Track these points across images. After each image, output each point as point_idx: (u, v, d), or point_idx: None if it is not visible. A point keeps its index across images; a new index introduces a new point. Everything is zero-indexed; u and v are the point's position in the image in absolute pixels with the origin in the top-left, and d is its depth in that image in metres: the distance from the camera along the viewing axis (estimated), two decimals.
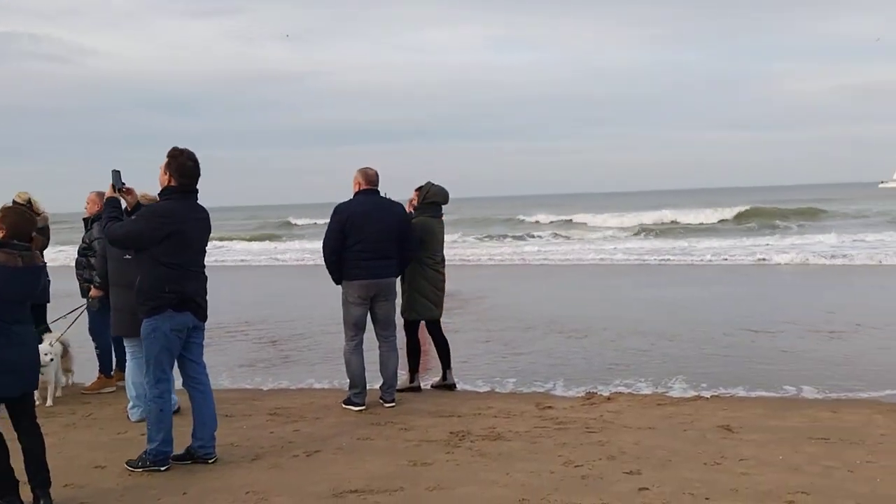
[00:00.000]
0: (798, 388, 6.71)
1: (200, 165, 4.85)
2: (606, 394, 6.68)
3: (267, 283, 19.17)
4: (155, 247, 4.66)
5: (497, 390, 6.97)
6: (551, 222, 42.04)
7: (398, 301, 6.53)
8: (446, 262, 6.81)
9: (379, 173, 6.31)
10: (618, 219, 38.89)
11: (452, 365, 6.94)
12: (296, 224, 53.11)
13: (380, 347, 6.41)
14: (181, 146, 4.77)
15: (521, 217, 45.95)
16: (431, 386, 6.90)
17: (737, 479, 4.45)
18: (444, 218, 6.83)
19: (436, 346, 6.86)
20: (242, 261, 25.84)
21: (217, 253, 30.03)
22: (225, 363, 8.55)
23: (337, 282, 6.30)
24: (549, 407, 6.23)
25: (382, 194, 6.33)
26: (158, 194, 4.89)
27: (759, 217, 37.32)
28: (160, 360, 4.73)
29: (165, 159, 4.77)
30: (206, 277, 4.95)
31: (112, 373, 7.19)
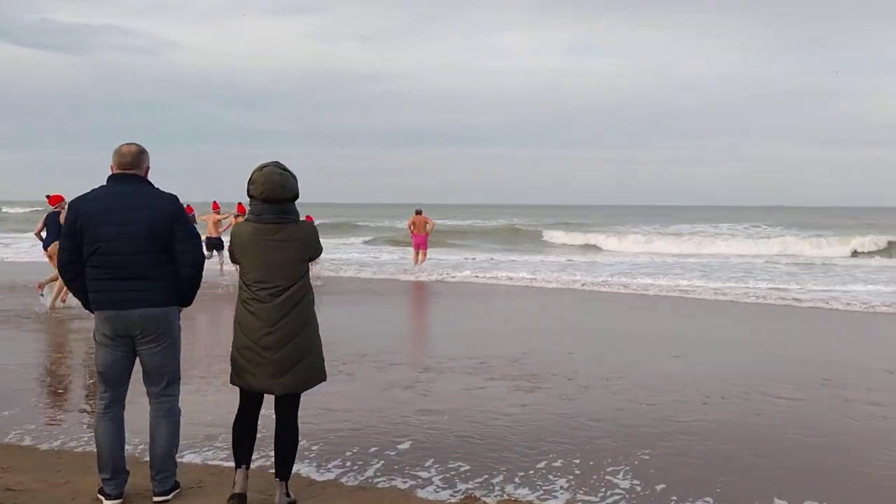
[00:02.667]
0: None
1: None
2: (494, 501, 4.45)
3: None
4: None
5: (342, 480, 4.78)
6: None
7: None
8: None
9: (144, 151, 4.22)
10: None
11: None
12: (357, 225, 51.87)
13: (149, 412, 4.34)
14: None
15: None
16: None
17: None
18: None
19: (275, 437, 4.30)
20: None
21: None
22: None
23: (88, 308, 4.26)
24: None
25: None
26: None
27: None
28: None
29: None
30: None
31: None
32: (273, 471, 4.35)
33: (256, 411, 4.29)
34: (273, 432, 4.30)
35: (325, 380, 4.30)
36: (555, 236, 40.76)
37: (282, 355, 4.08)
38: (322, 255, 4.74)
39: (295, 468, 4.90)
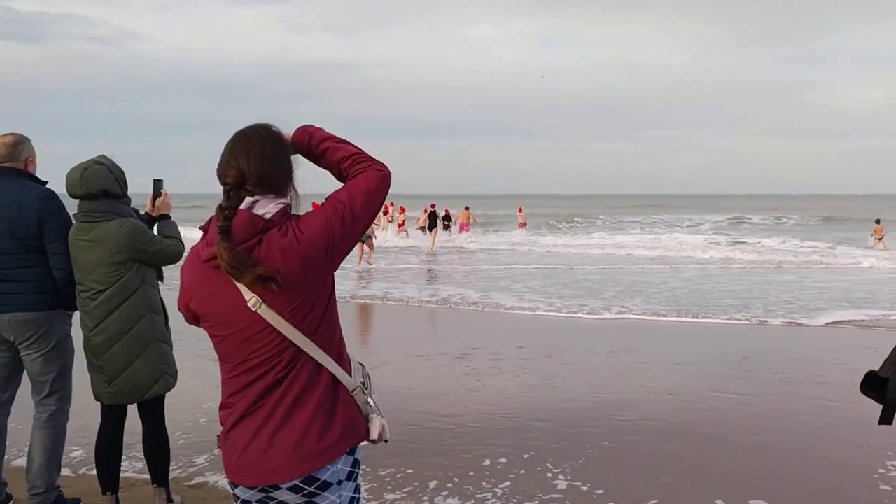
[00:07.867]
0: None
1: None
2: None
3: None
4: None
5: None
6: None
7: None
8: None
9: (24, 141, 3.86)
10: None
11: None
12: None
13: None
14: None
15: None
16: None
17: None
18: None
19: (143, 444, 4.01)
20: None
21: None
22: None
23: None
24: None
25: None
26: None
27: None
28: None
29: None
30: None
31: None
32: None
33: (117, 426, 3.92)
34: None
35: (169, 389, 3.92)
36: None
37: (104, 362, 3.76)
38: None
39: (214, 480, 4.62)
